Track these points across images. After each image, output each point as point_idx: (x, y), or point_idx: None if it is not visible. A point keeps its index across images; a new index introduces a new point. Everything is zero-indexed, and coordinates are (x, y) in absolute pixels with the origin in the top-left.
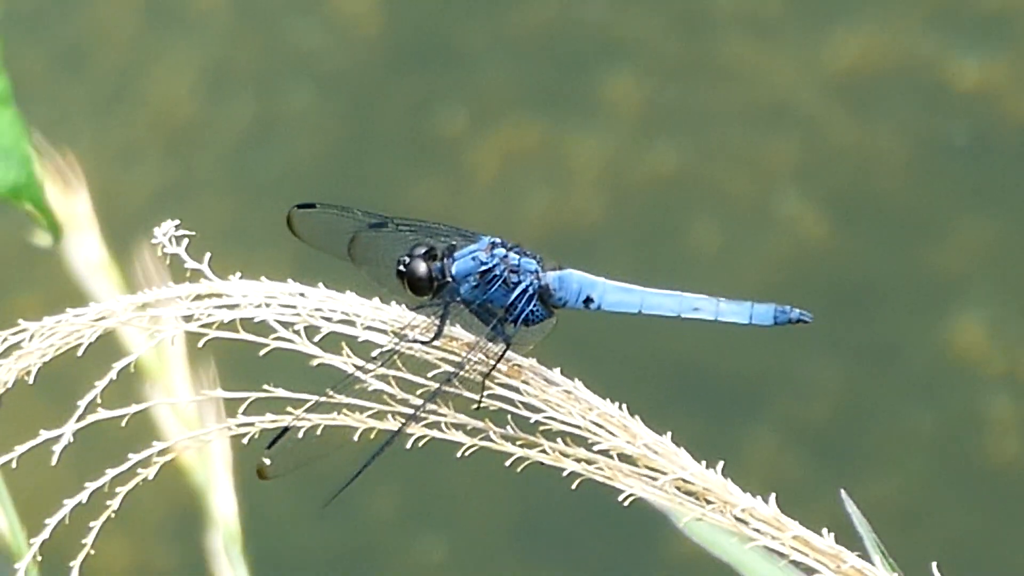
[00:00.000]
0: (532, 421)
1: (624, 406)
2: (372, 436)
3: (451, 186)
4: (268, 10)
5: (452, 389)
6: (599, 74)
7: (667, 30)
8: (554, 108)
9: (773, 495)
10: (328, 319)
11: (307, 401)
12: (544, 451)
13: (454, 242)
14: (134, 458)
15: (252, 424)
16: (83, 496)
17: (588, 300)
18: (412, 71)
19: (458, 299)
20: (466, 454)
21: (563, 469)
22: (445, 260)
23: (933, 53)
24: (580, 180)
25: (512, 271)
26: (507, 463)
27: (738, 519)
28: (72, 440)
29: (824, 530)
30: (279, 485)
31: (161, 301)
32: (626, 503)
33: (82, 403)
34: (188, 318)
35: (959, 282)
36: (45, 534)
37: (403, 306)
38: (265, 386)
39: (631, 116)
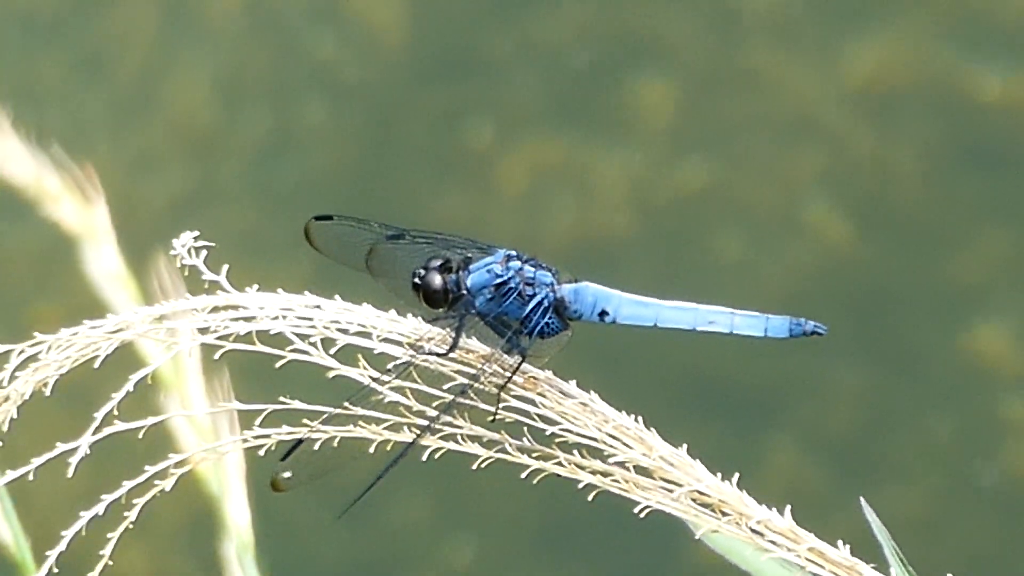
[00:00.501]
0: (548, 433)
1: (640, 418)
2: (388, 448)
3: (477, 200)
4: (291, 20)
5: (468, 401)
6: (626, 85)
7: (694, 40)
8: (581, 120)
9: (788, 507)
10: (344, 331)
11: (323, 413)
12: (560, 463)
13: (470, 255)
14: (150, 470)
15: (268, 436)
16: (99, 508)
17: (603, 313)
18: (438, 82)
19: (473, 311)
20: (483, 466)
21: (579, 481)
22: (460, 273)
23: (956, 65)
24: (606, 193)
25: (527, 284)
26: (523, 475)
27: (754, 531)
28: (88, 452)
29: (840, 542)
30: (296, 494)
31: (178, 313)
32: (642, 515)
33: (99, 415)
34: (204, 330)
35: (980, 291)
36: (62, 546)
37: (419, 318)
38: (281, 398)
39: (657, 128)
